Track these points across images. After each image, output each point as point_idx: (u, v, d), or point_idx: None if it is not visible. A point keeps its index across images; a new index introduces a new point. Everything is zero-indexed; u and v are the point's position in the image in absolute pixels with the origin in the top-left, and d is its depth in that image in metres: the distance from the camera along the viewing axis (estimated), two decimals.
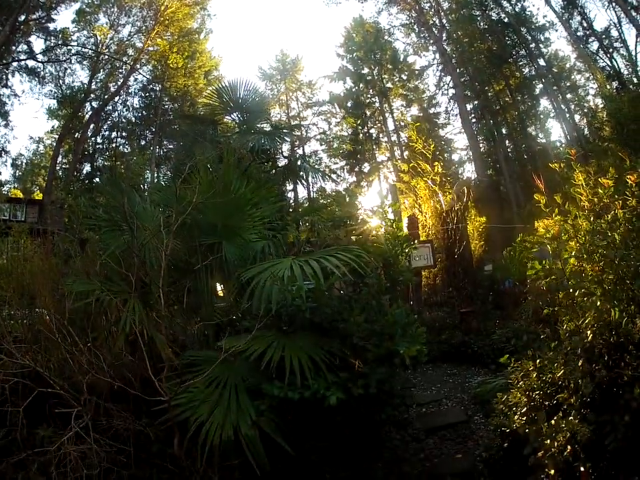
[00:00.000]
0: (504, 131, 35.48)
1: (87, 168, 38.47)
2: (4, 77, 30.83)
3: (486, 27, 35.08)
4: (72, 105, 34.66)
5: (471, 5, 35.33)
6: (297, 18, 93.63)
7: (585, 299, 4.19)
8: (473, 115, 36.10)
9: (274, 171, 11.55)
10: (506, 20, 34.15)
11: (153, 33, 36.68)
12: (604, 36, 30.62)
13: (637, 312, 3.87)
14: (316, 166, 40.51)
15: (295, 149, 37.79)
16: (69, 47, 33.81)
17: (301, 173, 12.56)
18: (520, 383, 4.60)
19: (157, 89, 39.54)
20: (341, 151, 43.31)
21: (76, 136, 36.28)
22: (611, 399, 3.63)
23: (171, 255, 4.67)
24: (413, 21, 38.98)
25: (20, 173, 40.59)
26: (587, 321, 4.03)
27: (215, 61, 43.18)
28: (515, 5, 34.57)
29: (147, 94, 40.19)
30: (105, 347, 4.24)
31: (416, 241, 10.44)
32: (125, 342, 4.33)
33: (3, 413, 3.79)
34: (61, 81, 34.74)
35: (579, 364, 3.92)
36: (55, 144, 36.63)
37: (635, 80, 26.84)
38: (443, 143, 39.39)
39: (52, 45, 32.89)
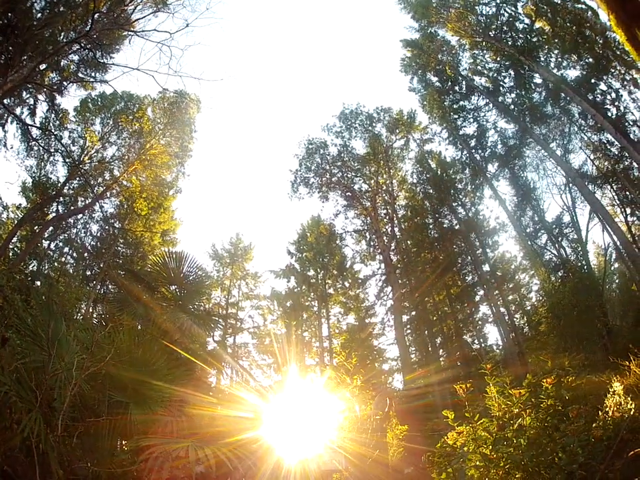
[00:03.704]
0: (439, 340, 35.89)
1: (33, 266, 36.69)
2: (5, 117, 29.78)
3: (436, 235, 36.69)
4: (42, 195, 34.04)
5: (426, 213, 37.29)
6: (260, 201, 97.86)
7: None
8: (408, 326, 36.65)
9: (200, 353, 11.42)
10: (457, 227, 35.64)
11: (131, 167, 37.13)
12: (554, 225, 31.97)
13: None
14: (244, 357, 40.36)
15: (227, 336, 37.66)
16: (60, 136, 33.79)
17: (224, 364, 12.46)
18: None
19: (117, 226, 39.23)
20: (270, 349, 42.79)
21: (35, 228, 35.27)
22: None
23: (79, 395, 4.80)
24: (366, 228, 40.18)
25: None
26: None
27: (175, 223, 43.24)
28: (469, 210, 36.32)
29: (107, 227, 39.73)
30: (5, 437, 4.31)
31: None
32: (21, 442, 4.31)
33: None
34: (43, 163, 34.54)
35: None
36: (16, 221, 35.44)
37: (583, 262, 28.31)
38: (375, 352, 39.86)
39: (51, 119, 32.81)
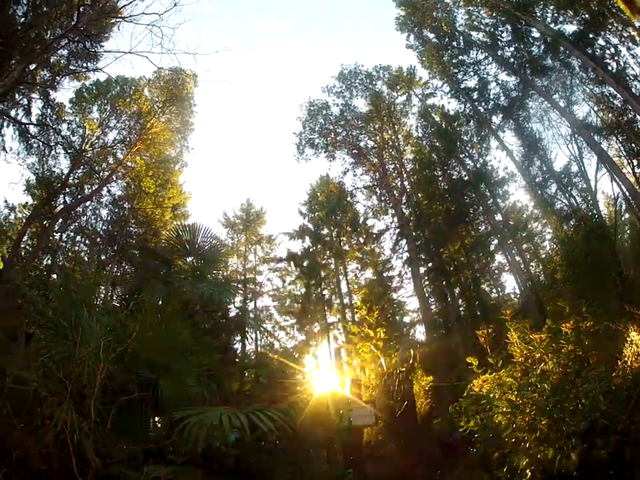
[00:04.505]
0: (457, 290, 35.86)
1: (47, 260, 36.80)
2: (0, 120, 29.61)
3: (446, 187, 36.37)
4: (47, 189, 33.92)
5: (434, 165, 36.83)
6: (268, 165, 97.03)
7: (521, 444, 4.30)
8: (426, 278, 36.51)
9: (223, 320, 11.48)
10: (466, 178, 35.33)
11: (134, 148, 36.84)
12: (563, 175, 31.72)
13: (577, 444, 3.99)
14: (266, 321, 40.83)
15: (247, 302, 37.84)
16: (59, 129, 33.70)
17: (248, 329, 12.48)
18: None
19: (126, 207, 39.25)
20: (291, 310, 43.11)
21: (44, 223, 35.04)
22: None
23: (108, 378, 4.79)
24: (375, 183, 40.20)
25: None
26: (524, 463, 4.11)
27: (185, 197, 43.25)
28: (476, 161, 36.10)
29: (116, 210, 39.61)
30: (38, 434, 4.29)
31: (355, 405, 10.68)
32: (55, 437, 4.29)
33: None
34: (45, 159, 34.30)
35: None
36: (25, 220, 34.99)
37: (593, 209, 28.06)
38: (394, 305, 39.92)
39: (47, 115, 32.59)
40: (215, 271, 11.66)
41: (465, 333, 30.26)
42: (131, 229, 39.89)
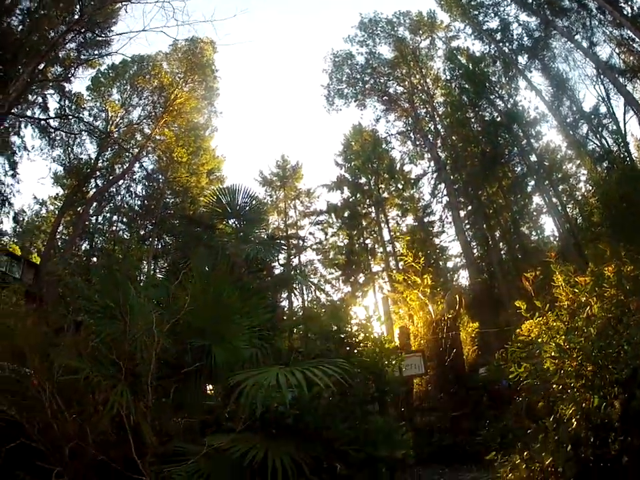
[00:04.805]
0: (497, 233, 35.70)
1: (85, 245, 38.27)
2: (17, 124, 30.63)
3: (479, 128, 35.90)
4: (77, 177, 34.58)
5: (465, 108, 36.35)
6: (299, 121, 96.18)
7: (569, 391, 4.30)
8: (467, 221, 36.42)
9: (268, 279, 11.53)
10: (498, 119, 34.89)
11: (161, 122, 37.23)
12: (592, 115, 31.34)
13: (619, 393, 4.00)
14: (311, 276, 40.63)
15: (291, 258, 38.04)
16: (80, 116, 34.15)
17: (295, 285, 12.49)
18: (509, 476, 4.66)
19: (161, 179, 39.80)
20: (336, 262, 43.15)
21: (79, 210, 35.90)
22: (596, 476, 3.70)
23: (161, 352, 4.79)
24: (409, 129, 40.14)
25: (20, 230, 39.94)
26: (570, 411, 4.13)
27: (218, 161, 43.80)
28: (507, 102, 35.61)
29: (151, 183, 40.35)
30: (92, 422, 4.27)
31: (405, 354, 10.72)
32: (110, 422, 4.36)
33: None
34: (70, 149, 34.85)
35: (568, 449, 4.00)
36: (57, 211, 36.42)
37: (624, 152, 28.05)
38: (437, 251, 39.71)
39: (65, 107, 33.08)
40: (257, 231, 11.65)
41: (507, 277, 30.14)
42: (168, 200, 40.37)
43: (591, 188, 27.34)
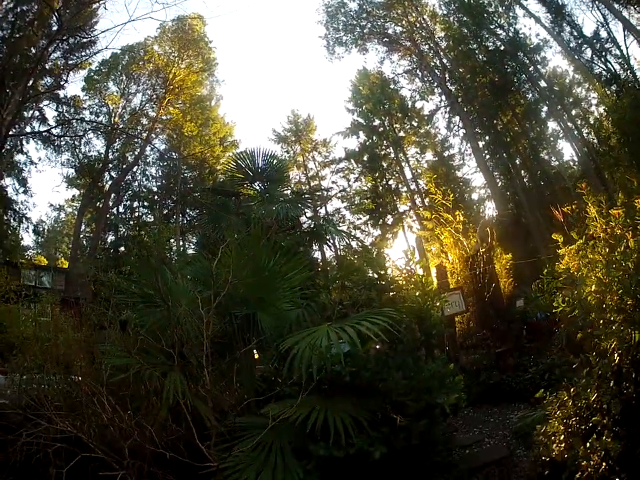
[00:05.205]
0: (518, 162, 35.42)
1: (111, 237, 39.06)
2: (19, 143, 31.25)
3: (485, 59, 35.57)
4: (91, 174, 35.06)
5: (467, 40, 35.97)
6: (304, 77, 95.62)
7: (609, 326, 4.32)
8: (486, 152, 36.15)
9: (300, 235, 11.46)
10: (502, 48, 34.64)
11: (164, 102, 37.67)
12: (594, 40, 30.91)
13: None
14: (340, 224, 40.97)
15: (318, 209, 38.06)
16: (81, 117, 34.58)
17: (327, 237, 12.44)
18: (557, 413, 4.73)
19: (175, 157, 40.26)
20: (362, 207, 43.35)
21: (98, 205, 36.87)
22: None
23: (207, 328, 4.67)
24: (415, 66, 39.88)
25: (42, 240, 40.44)
26: (612, 346, 4.15)
27: (229, 127, 44.06)
28: (508, 30, 35.11)
29: (165, 163, 41.02)
30: (150, 416, 4.26)
31: (446, 293, 10.73)
32: (167, 412, 4.33)
33: (47, 476, 3.89)
34: (77, 150, 35.35)
35: (611, 385, 4.05)
36: (76, 212, 37.50)
37: (631, 76, 27.79)
38: (461, 184, 39.57)
39: (64, 112, 33.57)
40: (282, 189, 11.56)
41: (533, 205, 29.95)
42: (186, 174, 40.97)
43: (604, 112, 26.99)
